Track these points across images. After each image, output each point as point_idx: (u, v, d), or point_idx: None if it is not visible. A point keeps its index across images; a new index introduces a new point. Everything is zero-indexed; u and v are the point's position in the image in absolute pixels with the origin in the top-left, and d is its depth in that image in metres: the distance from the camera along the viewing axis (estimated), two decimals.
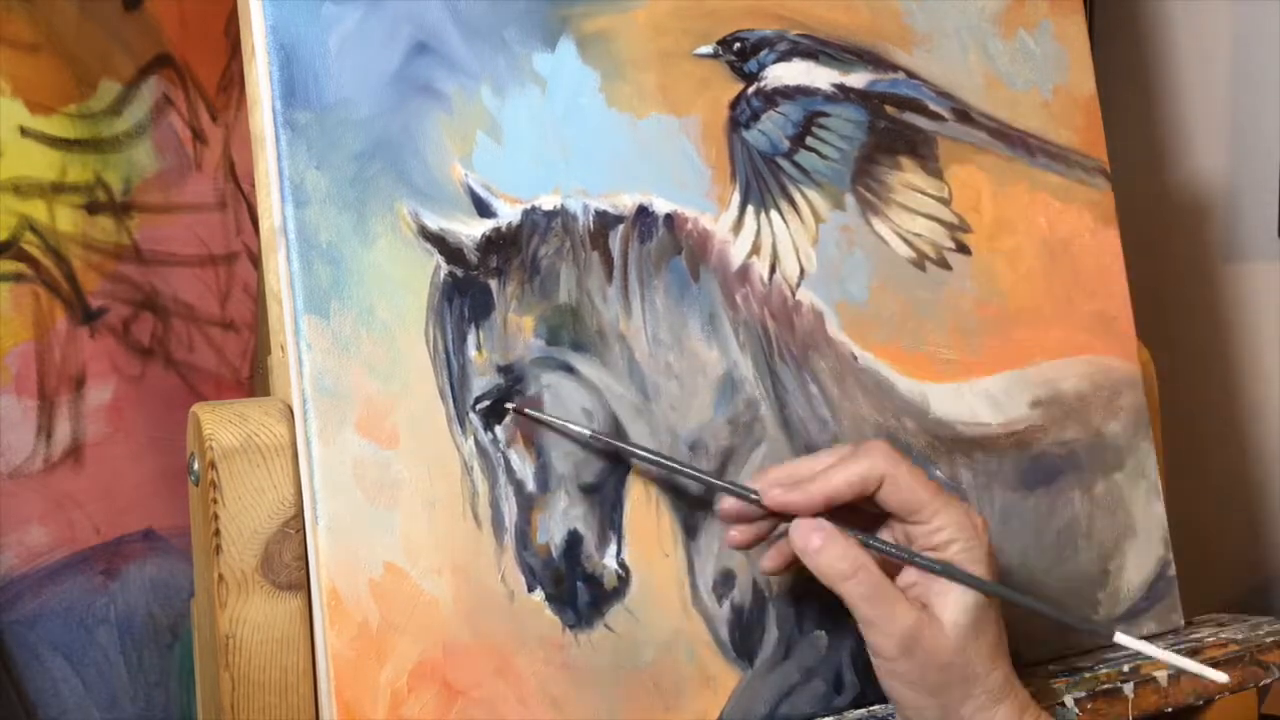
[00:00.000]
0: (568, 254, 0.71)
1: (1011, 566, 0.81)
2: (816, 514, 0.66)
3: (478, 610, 0.66)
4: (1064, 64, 0.87)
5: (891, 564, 0.67)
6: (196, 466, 0.65)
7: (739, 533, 0.68)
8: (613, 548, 0.69)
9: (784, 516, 0.67)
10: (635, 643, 0.69)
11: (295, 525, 0.64)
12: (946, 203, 0.82)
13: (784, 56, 0.78)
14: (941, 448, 0.79)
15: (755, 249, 0.75)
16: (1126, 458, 0.86)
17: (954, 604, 0.66)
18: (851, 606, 0.66)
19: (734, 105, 0.76)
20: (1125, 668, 0.79)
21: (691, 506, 0.71)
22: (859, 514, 0.67)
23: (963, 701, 0.66)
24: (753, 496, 0.67)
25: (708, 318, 0.74)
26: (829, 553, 0.65)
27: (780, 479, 0.67)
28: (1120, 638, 0.66)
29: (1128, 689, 0.77)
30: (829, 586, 0.66)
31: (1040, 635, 0.81)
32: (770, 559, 0.69)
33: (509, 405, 0.68)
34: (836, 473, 0.66)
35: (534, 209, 0.70)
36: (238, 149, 0.93)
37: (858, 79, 0.80)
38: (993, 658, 0.66)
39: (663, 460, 0.69)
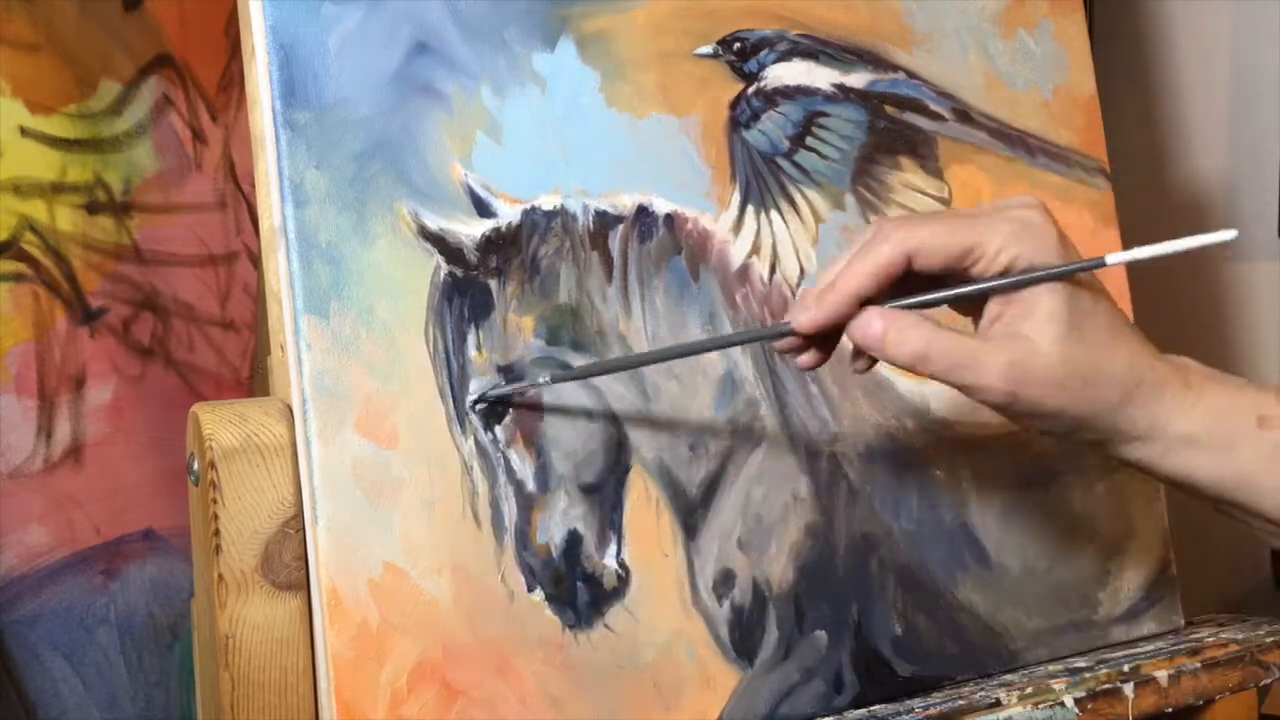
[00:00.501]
0: (567, 254, 0.71)
1: (1010, 566, 0.81)
2: (855, 313, 0.63)
3: (478, 610, 0.66)
4: (1064, 64, 0.87)
5: (974, 310, 0.65)
6: (196, 466, 0.65)
7: (807, 356, 0.65)
8: (612, 548, 0.69)
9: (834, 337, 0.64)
10: (635, 643, 0.69)
11: (295, 525, 0.64)
12: (946, 203, 0.82)
13: (784, 56, 0.78)
14: (942, 447, 0.79)
15: (755, 249, 0.75)
16: None
17: (1041, 316, 0.62)
18: (941, 380, 0.62)
19: (734, 105, 0.76)
20: (1125, 668, 0.79)
21: (691, 506, 0.72)
22: (912, 282, 0.63)
23: (1118, 405, 0.62)
24: (786, 329, 0.64)
25: (708, 318, 0.74)
26: (893, 336, 0.61)
27: (804, 302, 0.64)
28: (1111, 257, 0.62)
29: (1128, 689, 0.77)
30: (910, 370, 0.63)
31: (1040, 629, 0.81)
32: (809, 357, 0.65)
33: (475, 400, 0.67)
34: (854, 266, 0.62)
35: (534, 209, 0.70)
36: (238, 149, 0.93)
37: (858, 79, 0.80)
38: (1112, 345, 0.62)
39: (658, 355, 0.67)
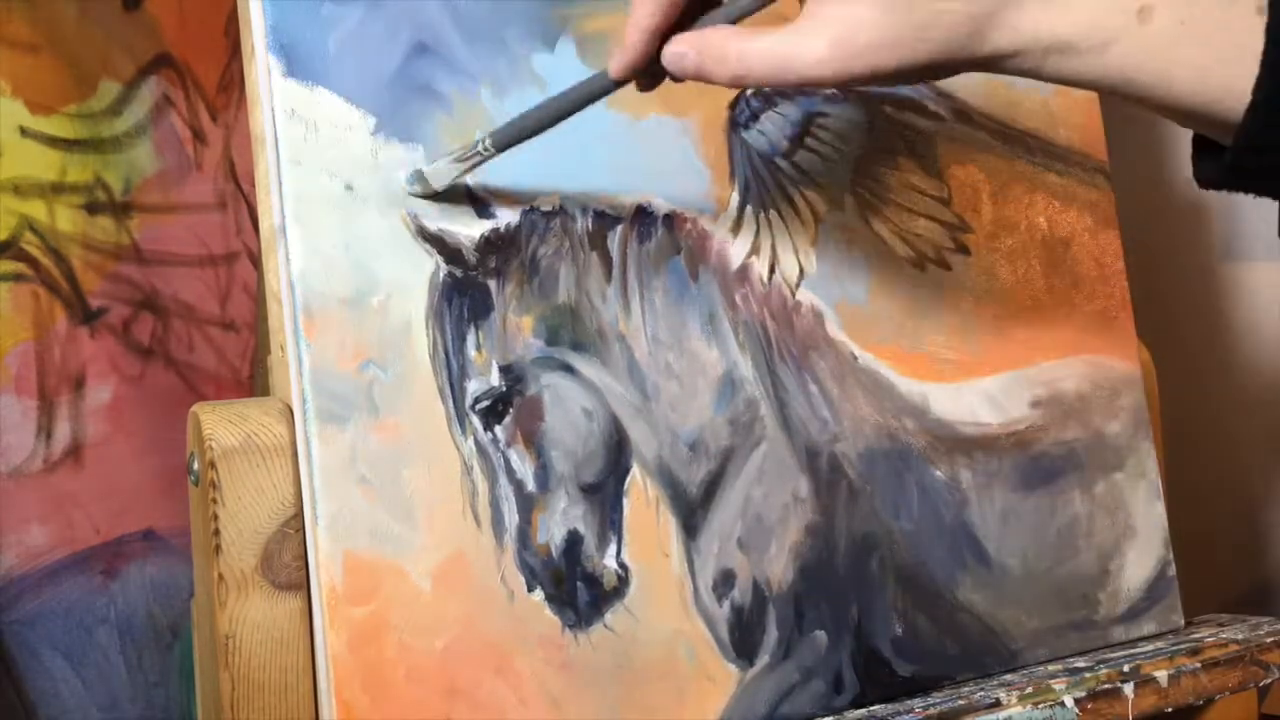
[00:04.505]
0: (567, 254, 0.71)
1: (1010, 566, 0.81)
2: (658, 46, 0.61)
3: (478, 610, 0.66)
4: None
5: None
6: (196, 466, 0.65)
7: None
8: (613, 548, 0.69)
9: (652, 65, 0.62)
10: (635, 643, 0.69)
11: (295, 525, 0.64)
12: (946, 203, 0.82)
13: None
14: (941, 448, 0.79)
15: (754, 249, 0.75)
16: (1126, 458, 0.86)
17: None
18: (767, 83, 0.59)
19: (733, 106, 0.76)
20: (1125, 668, 0.79)
21: (691, 506, 0.72)
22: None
23: (970, 36, 0.57)
24: (607, 82, 0.63)
25: (707, 318, 0.74)
26: (708, 62, 0.59)
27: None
28: None
29: (1128, 689, 0.77)
30: (733, 85, 0.60)
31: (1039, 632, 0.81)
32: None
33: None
34: (642, 2, 0.61)
35: (533, 209, 0.70)
36: (238, 149, 0.93)
37: None
38: None
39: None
